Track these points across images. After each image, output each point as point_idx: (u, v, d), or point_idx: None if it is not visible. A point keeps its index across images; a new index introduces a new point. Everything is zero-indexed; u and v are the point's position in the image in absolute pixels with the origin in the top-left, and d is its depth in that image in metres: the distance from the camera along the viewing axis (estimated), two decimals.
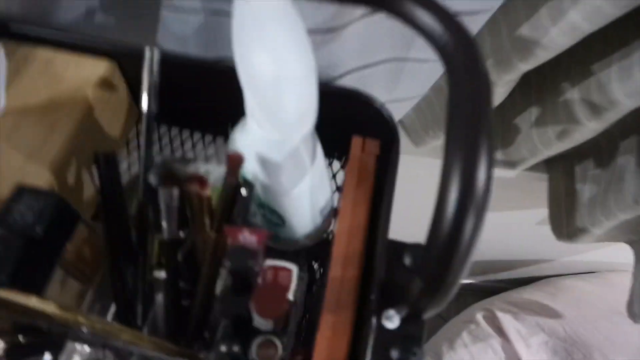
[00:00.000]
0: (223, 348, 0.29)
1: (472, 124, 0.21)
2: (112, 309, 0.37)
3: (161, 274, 0.31)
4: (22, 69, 0.39)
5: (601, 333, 1.04)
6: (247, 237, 0.26)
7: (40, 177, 0.34)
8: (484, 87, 0.22)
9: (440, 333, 1.16)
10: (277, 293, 0.26)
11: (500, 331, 1.06)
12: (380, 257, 0.31)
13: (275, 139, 0.27)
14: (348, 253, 0.33)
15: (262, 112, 0.24)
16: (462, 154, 0.20)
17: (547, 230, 0.72)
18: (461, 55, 0.23)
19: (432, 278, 0.24)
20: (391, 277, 0.31)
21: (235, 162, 0.28)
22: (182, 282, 0.34)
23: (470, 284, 1.41)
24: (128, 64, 0.41)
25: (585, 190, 0.59)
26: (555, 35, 0.40)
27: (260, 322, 0.27)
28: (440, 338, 1.13)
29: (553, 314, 1.06)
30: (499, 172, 0.64)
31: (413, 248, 0.33)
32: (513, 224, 0.94)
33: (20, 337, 0.32)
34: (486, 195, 0.20)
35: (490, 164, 0.21)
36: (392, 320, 0.30)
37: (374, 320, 0.30)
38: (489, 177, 0.20)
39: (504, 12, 0.42)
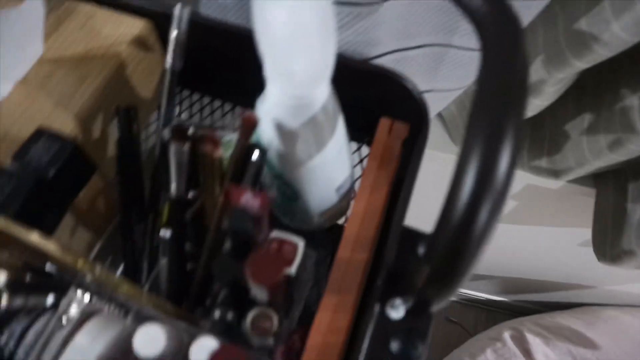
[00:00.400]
0: (217, 314, 0.28)
1: (499, 103, 0.19)
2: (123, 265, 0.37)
3: (166, 233, 0.31)
4: (65, 21, 0.40)
5: None
6: (250, 200, 0.24)
7: (66, 125, 0.35)
8: (520, 67, 0.20)
9: (464, 347, 1.11)
10: (275, 262, 0.24)
11: (527, 354, 1.00)
12: (391, 242, 0.29)
13: (291, 103, 0.26)
14: (360, 235, 0.32)
15: (273, 67, 0.23)
16: (484, 134, 0.19)
17: (590, 253, 0.67)
18: (499, 30, 0.21)
19: (439, 265, 0.22)
20: (401, 265, 0.29)
21: (248, 123, 0.27)
22: (189, 245, 0.33)
23: (501, 301, 1.35)
24: (167, 28, 0.41)
25: (637, 210, 0.54)
26: (618, 30, 0.36)
27: (256, 291, 0.26)
28: (463, 352, 1.08)
29: (587, 343, 0.99)
30: (541, 181, 0.60)
31: (429, 238, 0.31)
32: (552, 241, 0.89)
33: (28, 276, 0.32)
34: (506, 182, 0.18)
35: (515, 150, 0.19)
36: (397, 310, 0.28)
37: (377, 308, 0.28)
38: (511, 164, 0.18)
39: (562, 1, 0.39)
